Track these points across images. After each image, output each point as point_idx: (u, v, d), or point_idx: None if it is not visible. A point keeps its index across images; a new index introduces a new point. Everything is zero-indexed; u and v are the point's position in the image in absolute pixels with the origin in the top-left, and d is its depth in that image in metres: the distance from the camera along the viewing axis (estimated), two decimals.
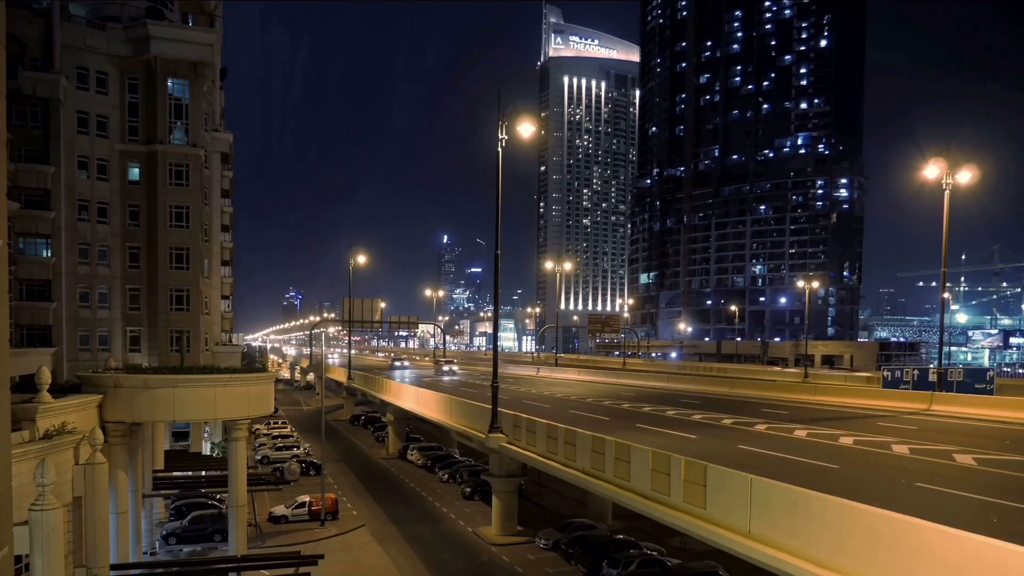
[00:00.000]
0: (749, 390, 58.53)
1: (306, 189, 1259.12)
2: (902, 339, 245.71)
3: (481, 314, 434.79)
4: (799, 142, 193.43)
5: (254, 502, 43.12)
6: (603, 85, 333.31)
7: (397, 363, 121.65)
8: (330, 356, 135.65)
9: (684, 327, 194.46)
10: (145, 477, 38.20)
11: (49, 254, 43.28)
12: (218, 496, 43.27)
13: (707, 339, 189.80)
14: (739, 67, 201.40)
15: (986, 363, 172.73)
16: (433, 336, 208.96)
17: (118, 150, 46.02)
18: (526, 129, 35.87)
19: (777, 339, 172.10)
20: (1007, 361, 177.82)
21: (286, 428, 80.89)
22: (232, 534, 33.07)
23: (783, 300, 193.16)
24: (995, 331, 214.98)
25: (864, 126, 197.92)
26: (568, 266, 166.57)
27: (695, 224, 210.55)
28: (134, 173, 46.81)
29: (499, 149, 35.89)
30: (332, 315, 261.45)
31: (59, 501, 20.24)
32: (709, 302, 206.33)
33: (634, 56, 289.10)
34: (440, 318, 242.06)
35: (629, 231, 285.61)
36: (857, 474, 24.01)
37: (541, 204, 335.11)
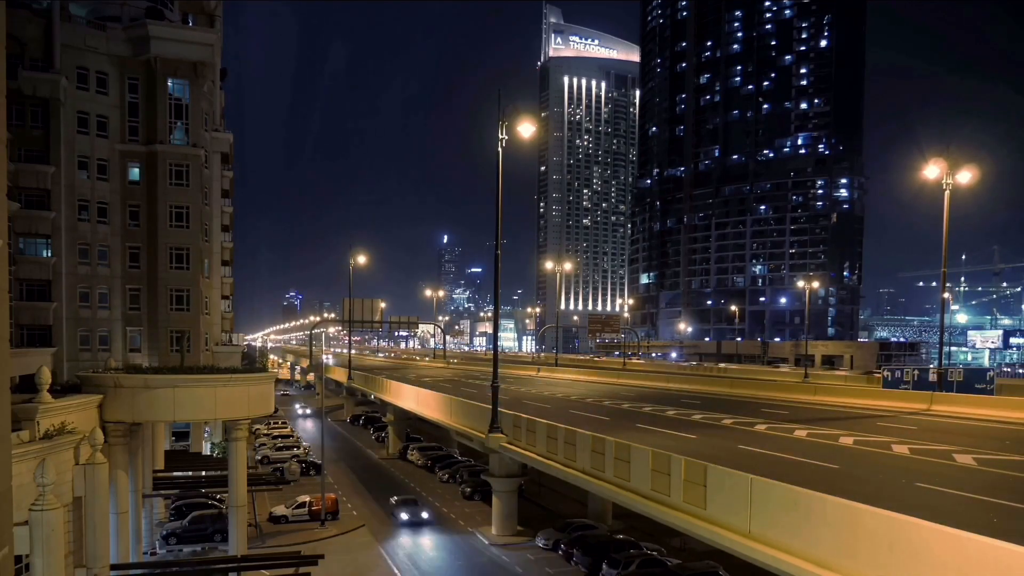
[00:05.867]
0: (749, 390, 58.50)
1: (306, 189, 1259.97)
2: (902, 339, 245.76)
3: (481, 314, 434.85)
4: (799, 142, 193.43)
5: (254, 502, 43.11)
6: (603, 85, 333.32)
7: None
8: (327, 357, 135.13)
9: (684, 327, 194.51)
10: (145, 477, 38.19)
11: (49, 254, 43.30)
12: (218, 496, 43.28)
13: (707, 339, 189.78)
14: (739, 67, 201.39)
15: (986, 363, 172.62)
16: (433, 336, 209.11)
17: (118, 150, 46.05)
18: (526, 129, 35.86)
19: (777, 339, 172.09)
20: (1007, 361, 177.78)
21: (286, 428, 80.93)
22: (232, 534, 33.07)
23: (783, 300, 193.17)
24: (993, 331, 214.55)
25: (864, 126, 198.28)
26: (568, 266, 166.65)
27: (695, 224, 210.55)
28: (134, 173, 46.84)
29: (499, 149, 35.90)
30: (332, 315, 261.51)
31: (59, 501, 20.24)
32: (709, 302, 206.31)
33: (634, 56, 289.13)
34: (440, 318, 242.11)
35: (629, 231, 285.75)
36: (857, 474, 23.99)
37: (541, 204, 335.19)
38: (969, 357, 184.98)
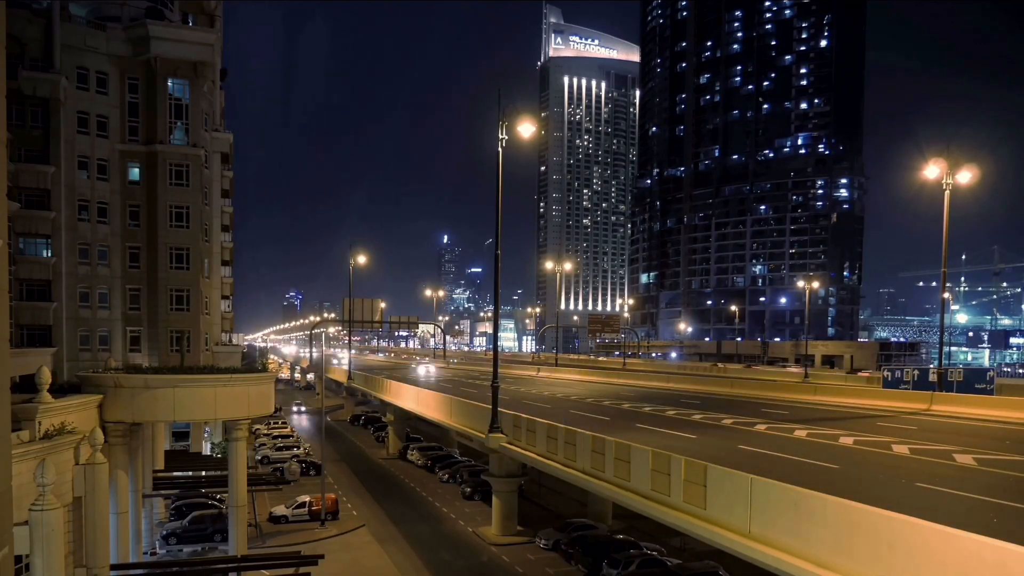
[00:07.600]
0: (749, 390, 58.49)
1: (306, 189, 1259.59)
2: (902, 339, 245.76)
3: (481, 314, 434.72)
4: (799, 142, 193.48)
5: (254, 502, 43.10)
6: (603, 85, 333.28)
7: None
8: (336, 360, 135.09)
9: (684, 327, 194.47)
10: (145, 477, 38.19)
11: (49, 254, 43.28)
12: (218, 496, 43.27)
13: (707, 339, 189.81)
14: (739, 67, 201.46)
15: (986, 363, 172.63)
16: (433, 336, 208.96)
17: (118, 150, 46.02)
18: (526, 129, 35.83)
19: (777, 339, 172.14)
20: (1007, 361, 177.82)
21: (286, 428, 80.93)
22: (232, 534, 33.07)
23: (783, 300, 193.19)
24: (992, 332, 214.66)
25: (864, 126, 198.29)
26: (568, 266, 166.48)
27: (695, 224, 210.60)
28: (134, 173, 46.82)
29: (499, 149, 35.88)
30: (332, 315, 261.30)
31: (59, 501, 20.23)
32: (709, 302, 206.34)
33: (634, 56, 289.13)
34: (440, 318, 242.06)
35: (629, 231, 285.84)
36: (857, 474, 23.99)
37: (541, 204, 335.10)
38: (969, 357, 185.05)
